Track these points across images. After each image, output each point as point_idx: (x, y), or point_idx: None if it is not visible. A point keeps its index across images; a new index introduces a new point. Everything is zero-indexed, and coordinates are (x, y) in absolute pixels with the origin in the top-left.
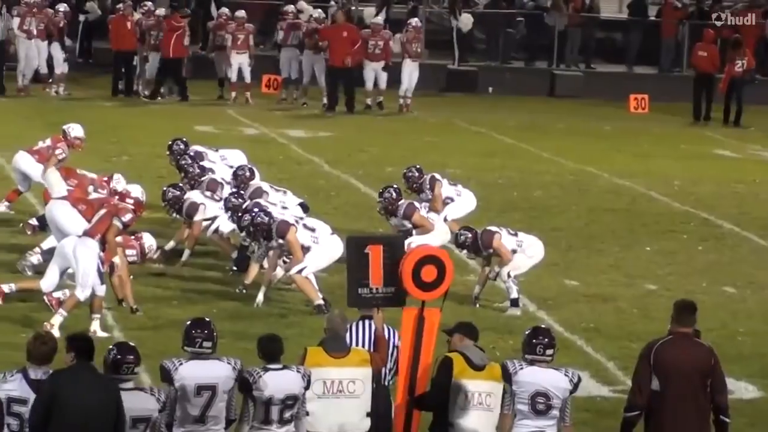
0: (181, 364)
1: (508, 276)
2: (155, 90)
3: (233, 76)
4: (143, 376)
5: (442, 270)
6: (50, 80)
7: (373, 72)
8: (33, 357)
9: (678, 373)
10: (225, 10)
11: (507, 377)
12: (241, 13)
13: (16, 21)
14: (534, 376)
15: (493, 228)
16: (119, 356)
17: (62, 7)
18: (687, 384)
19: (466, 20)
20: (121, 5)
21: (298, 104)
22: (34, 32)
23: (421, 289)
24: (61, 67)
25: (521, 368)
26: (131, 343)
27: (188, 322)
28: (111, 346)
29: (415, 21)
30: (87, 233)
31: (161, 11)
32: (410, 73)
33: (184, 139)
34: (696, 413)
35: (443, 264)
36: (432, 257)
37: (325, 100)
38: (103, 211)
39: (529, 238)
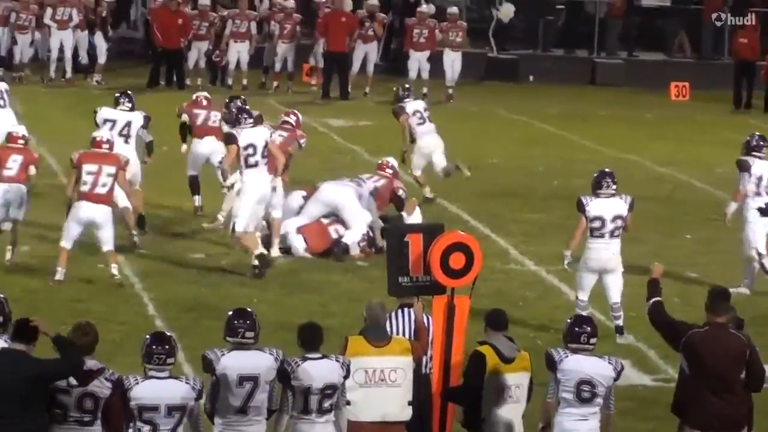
0: (223, 354)
1: None
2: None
3: (278, 65)
4: (185, 366)
5: (471, 257)
6: (91, 70)
7: (417, 62)
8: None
9: (710, 364)
10: None
11: (552, 365)
12: (290, 3)
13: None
14: (579, 365)
15: None
16: (152, 346)
17: None
18: (720, 375)
19: (506, 9)
20: None
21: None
22: (73, 21)
23: (449, 276)
24: (102, 57)
25: (566, 356)
26: (168, 333)
27: (230, 313)
28: (147, 335)
29: (453, 10)
30: None
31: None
32: (452, 63)
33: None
34: (731, 405)
35: (471, 251)
36: (460, 244)
37: (367, 89)
38: None
39: None
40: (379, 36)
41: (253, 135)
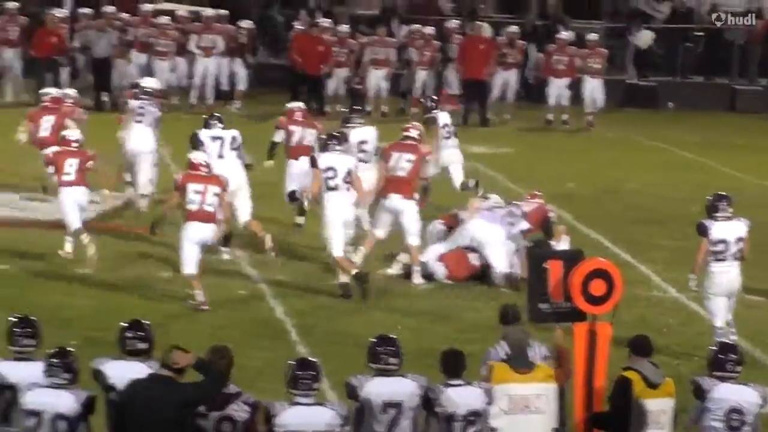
0: (367, 381)
1: None
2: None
3: (417, 91)
4: (328, 393)
5: (611, 284)
6: (231, 97)
7: (557, 88)
8: (212, 371)
9: None
10: (417, 26)
11: (700, 394)
12: (429, 30)
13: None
14: (728, 393)
15: None
16: (298, 372)
17: (245, 23)
18: None
19: (645, 36)
20: (301, 22)
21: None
22: (218, 49)
23: (590, 303)
24: (242, 84)
25: (715, 385)
26: (312, 359)
27: (373, 339)
28: (292, 361)
29: (593, 36)
30: None
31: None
32: (592, 89)
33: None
34: None
35: (612, 278)
36: (601, 271)
37: (508, 116)
38: None
39: None
40: (518, 63)
41: (334, 159)
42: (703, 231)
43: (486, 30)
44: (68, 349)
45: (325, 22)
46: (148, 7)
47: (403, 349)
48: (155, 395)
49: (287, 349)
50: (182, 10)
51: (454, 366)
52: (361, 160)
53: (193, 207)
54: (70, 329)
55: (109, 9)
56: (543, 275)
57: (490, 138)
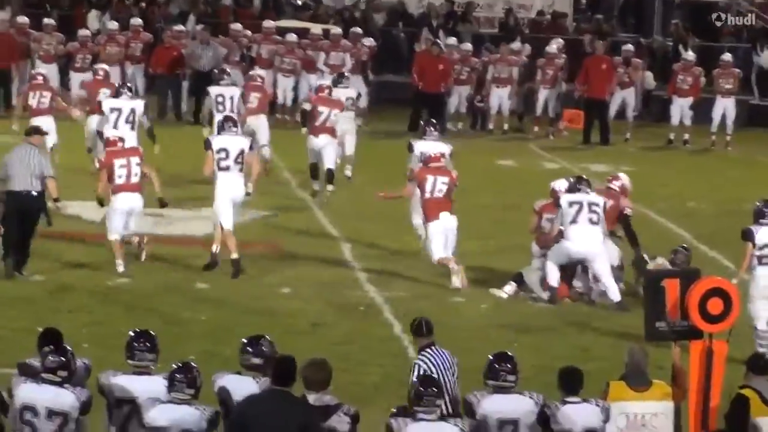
0: (484, 397)
1: None
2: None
3: (539, 110)
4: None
5: (729, 302)
6: None
7: (680, 108)
8: (311, 383)
9: None
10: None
11: None
12: (552, 49)
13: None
14: None
15: None
16: (421, 388)
17: (367, 41)
18: None
19: None
20: (424, 42)
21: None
22: (346, 66)
23: (707, 321)
24: (363, 101)
25: None
26: (434, 376)
27: (490, 357)
28: (416, 380)
29: (727, 57)
30: None
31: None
32: (723, 109)
33: None
34: None
35: (730, 296)
36: (718, 289)
37: (628, 135)
38: None
39: None
40: (635, 82)
41: (228, 141)
42: (748, 236)
43: (600, 48)
44: (191, 363)
45: (451, 40)
46: (270, 24)
47: (519, 366)
48: (277, 413)
49: (405, 367)
50: (315, 27)
51: (571, 383)
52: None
53: (120, 180)
54: (188, 343)
55: (236, 26)
56: (659, 294)
57: (611, 157)
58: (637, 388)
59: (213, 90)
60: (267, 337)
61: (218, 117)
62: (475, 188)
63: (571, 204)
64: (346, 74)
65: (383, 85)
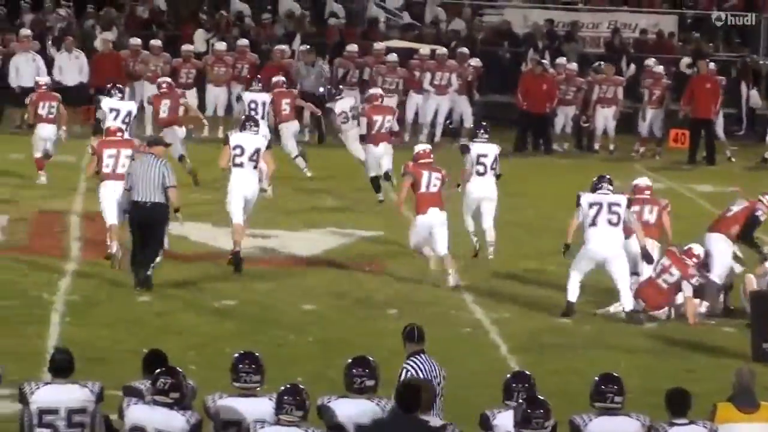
0: (590, 420)
1: None
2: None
3: (644, 130)
4: None
5: None
6: (458, 134)
7: None
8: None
9: None
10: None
11: None
12: (660, 69)
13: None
14: None
15: None
16: (528, 410)
17: (473, 61)
18: None
19: None
20: (530, 63)
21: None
22: (453, 87)
23: None
24: (468, 121)
25: None
26: (542, 398)
27: (597, 378)
28: (521, 401)
29: None
30: None
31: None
32: None
33: None
34: None
35: None
36: None
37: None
38: None
39: None
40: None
41: (243, 138)
42: None
43: (704, 67)
44: (299, 385)
45: (560, 60)
46: (380, 45)
47: (626, 387)
48: None
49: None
50: (422, 48)
51: (679, 405)
52: (478, 173)
53: (107, 170)
54: (295, 365)
55: (352, 47)
56: (766, 315)
57: (716, 176)
58: (745, 409)
59: (246, 96)
60: (372, 358)
61: None
62: None
63: (591, 205)
64: (340, 86)
65: (488, 105)
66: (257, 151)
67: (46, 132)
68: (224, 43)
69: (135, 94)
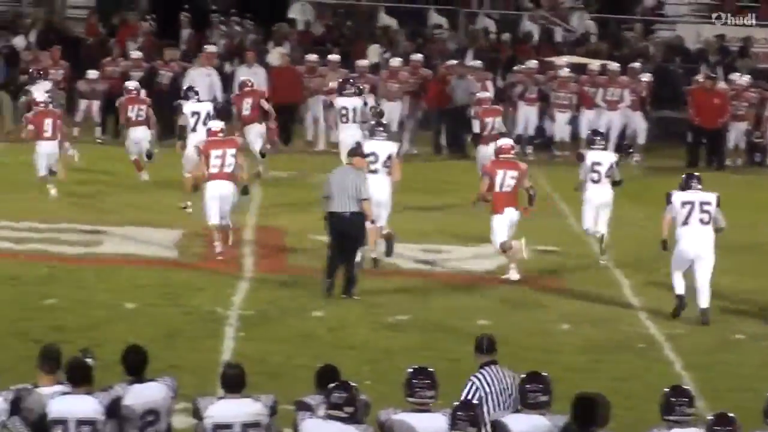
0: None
1: None
2: None
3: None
4: None
5: None
6: (631, 150)
7: None
8: None
9: None
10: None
11: None
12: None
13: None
14: None
15: None
16: (715, 427)
17: (645, 76)
18: None
19: None
20: (701, 75)
21: None
22: (625, 102)
23: None
24: (641, 137)
25: None
26: (731, 415)
27: (666, 390)
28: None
29: None
30: None
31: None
32: None
33: None
34: None
35: None
36: None
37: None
38: None
39: None
40: None
41: (376, 145)
42: None
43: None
44: (474, 401)
45: (734, 75)
46: (561, 61)
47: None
48: None
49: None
50: (593, 63)
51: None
52: (593, 181)
53: (214, 170)
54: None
55: (531, 63)
56: None
57: None
58: None
59: (338, 101)
60: (545, 374)
61: (342, 128)
62: (753, 224)
63: (683, 204)
64: (350, 81)
65: (661, 120)
66: (389, 157)
67: (137, 135)
68: (399, 59)
69: (308, 109)
